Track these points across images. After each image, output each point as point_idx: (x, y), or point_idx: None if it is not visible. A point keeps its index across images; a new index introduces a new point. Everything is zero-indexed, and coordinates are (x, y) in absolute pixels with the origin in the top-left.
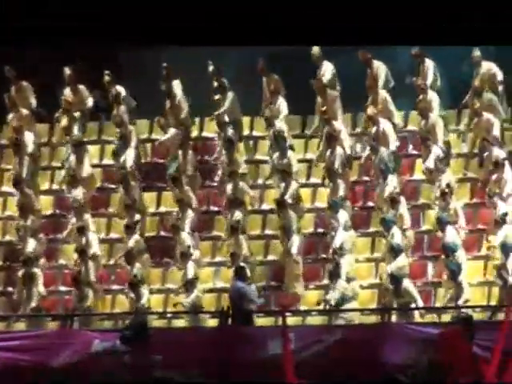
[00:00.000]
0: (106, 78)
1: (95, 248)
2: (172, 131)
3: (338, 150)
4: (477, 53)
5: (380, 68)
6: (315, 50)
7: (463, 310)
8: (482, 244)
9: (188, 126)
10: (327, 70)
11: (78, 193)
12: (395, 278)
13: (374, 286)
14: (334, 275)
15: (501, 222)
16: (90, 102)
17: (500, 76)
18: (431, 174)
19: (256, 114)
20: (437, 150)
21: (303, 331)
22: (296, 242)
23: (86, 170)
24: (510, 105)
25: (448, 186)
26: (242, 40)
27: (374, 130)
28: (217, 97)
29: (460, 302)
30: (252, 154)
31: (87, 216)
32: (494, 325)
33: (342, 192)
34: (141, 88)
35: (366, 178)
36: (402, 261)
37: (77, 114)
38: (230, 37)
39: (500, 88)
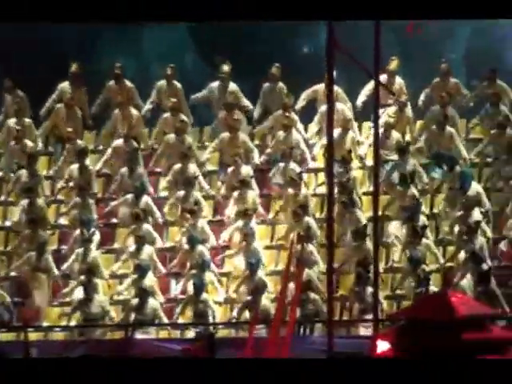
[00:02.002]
0: None
1: None
2: None
3: (90, 167)
4: (225, 67)
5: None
6: (73, 66)
7: (206, 327)
8: (225, 261)
9: None
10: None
11: None
12: (143, 295)
13: (120, 302)
14: (91, 290)
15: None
16: None
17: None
18: (171, 192)
19: None
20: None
21: (46, 346)
22: (50, 258)
23: None
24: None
25: (196, 203)
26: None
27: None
28: None
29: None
30: None
31: None
32: (237, 341)
33: (93, 210)
34: None
35: (109, 195)
36: (150, 278)
37: None
38: None
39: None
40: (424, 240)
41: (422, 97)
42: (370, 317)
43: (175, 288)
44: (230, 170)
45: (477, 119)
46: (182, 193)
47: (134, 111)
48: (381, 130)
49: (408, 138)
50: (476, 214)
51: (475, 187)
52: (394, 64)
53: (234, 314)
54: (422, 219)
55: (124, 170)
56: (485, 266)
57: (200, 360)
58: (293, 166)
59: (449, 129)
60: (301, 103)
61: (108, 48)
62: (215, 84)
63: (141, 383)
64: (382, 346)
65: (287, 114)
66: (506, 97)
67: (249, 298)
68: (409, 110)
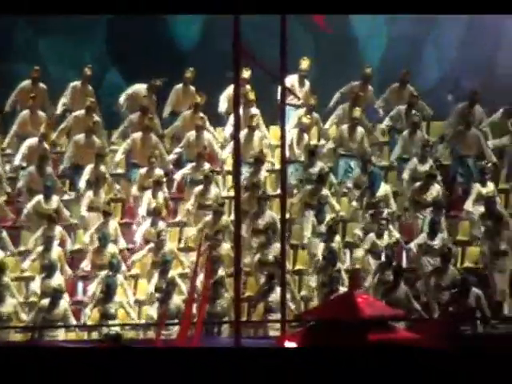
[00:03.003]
0: None
1: None
2: None
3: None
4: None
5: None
6: None
7: (112, 328)
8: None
9: None
10: None
11: None
12: (54, 295)
13: (27, 304)
14: (3, 290)
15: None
16: None
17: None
18: (80, 195)
19: None
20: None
21: None
22: None
23: None
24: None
25: (108, 204)
26: None
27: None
28: None
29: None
30: None
31: None
32: (145, 342)
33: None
34: None
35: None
36: (58, 277)
37: None
38: None
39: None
40: (336, 238)
41: (334, 98)
42: (277, 317)
43: (87, 289)
44: (142, 170)
45: (387, 122)
46: (91, 193)
47: (41, 113)
48: (295, 131)
49: (315, 140)
50: (384, 215)
51: (384, 188)
52: (305, 64)
53: (151, 313)
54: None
55: (32, 169)
56: (395, 266)
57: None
58: (207, 166)
59: (360, 129)
60: (222, 106)
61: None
62: (142, 86)
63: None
64: (290, 347)
65: (200, 115)
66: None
67: (158, 296)
68: (315, 112)
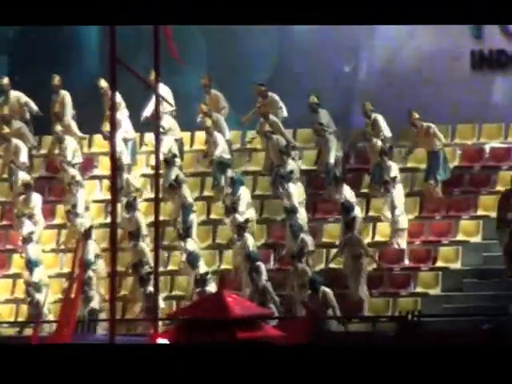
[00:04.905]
0: None
1: None
2: None
3: None
4: (5, 81)
5: (67, 96)
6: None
7: None
8: (11, 262)
9: None
10: None
11: None
12: None
13: None
14: None
15: (28, 239)
16: None
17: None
18: None
19: None
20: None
21: None
22: None
23: None
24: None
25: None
26: None
27: None
28: None
29: None
30: None
31: None
32: (22, 339)
33: None
34: None
35: None
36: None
37: None
38: None
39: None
40: (189, 241)
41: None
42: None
43: None
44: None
45: (255, 132)
46: None
47: None
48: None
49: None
50: (240, 218)
51: (243, 194)
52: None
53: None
54: (191, 220)
55: None
56: (258, 263)
57: None
58: (73, 172)
59: (215, 134)
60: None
61: None
62: None
63: None
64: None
65: (18, 125)
66: (276, 107)
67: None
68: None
